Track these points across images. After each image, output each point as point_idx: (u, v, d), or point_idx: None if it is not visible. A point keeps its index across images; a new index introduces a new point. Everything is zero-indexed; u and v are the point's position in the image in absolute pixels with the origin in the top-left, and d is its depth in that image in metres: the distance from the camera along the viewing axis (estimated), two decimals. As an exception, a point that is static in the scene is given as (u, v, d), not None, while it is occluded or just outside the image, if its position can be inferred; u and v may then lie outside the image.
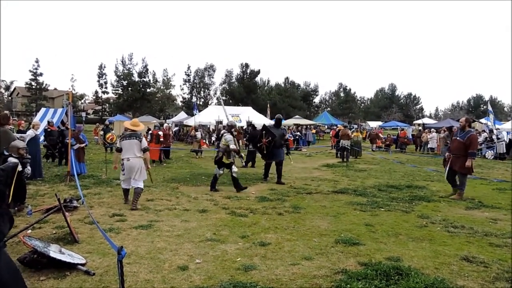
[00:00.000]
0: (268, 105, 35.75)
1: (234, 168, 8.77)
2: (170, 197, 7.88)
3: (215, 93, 66.22)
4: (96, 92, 59.84)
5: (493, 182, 10.56)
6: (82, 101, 73.06)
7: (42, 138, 13.42)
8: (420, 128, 31.96)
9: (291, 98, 61.42)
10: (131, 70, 55.92)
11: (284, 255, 4.49)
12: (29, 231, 5.07)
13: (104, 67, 58.56)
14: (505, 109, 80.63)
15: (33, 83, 54.97)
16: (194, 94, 63.57)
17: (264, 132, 10.48)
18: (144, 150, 7.16)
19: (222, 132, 9.24)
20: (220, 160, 8.73)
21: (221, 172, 8.91)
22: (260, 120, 25.03)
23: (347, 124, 22.04)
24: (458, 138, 8.36)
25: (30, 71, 54.73)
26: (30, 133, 10.14)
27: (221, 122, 23.35)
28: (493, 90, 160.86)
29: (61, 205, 5.07)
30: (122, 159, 7.07)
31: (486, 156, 19.23)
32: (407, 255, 4.52)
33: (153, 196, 7.97)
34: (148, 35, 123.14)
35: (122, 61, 55.80)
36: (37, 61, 55.65)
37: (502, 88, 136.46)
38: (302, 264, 4.19)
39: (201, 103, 60.64)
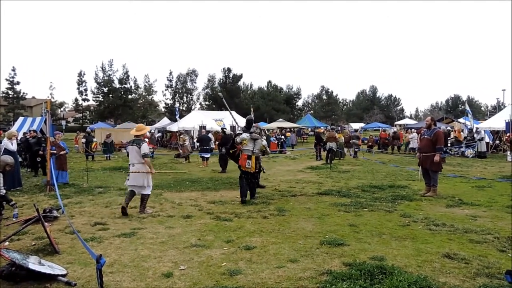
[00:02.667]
0: (252, 109, 35.80)
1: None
2: (154, 204, 7.79)
3: (198, 98, 66.03)
4: (76, 99, 58.84)
5: (472, 180, 10.81)
6: (62, 109, 71.67)
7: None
8: (395, 129, 32.23)
9: (274, 102, 61.62)
10: (111, 76, 55.21)
11: (270, 258, 4.48)
12: (7, 243, 4.92)
13: (84, 74, 57.69)
14: (482, 108, 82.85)
15: (10, 92, 53.56)
16: (176, 100, 63.13)
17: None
18: (143, 156, 6.89)
19: (252, 135, 8.07)
20: (248, 168, 7.86)
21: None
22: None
23: (334, 127, 21.83)
24: (425, 136, 8.72)
25: (7, 79, 53.35)
26: (7, 143, 9.87)
27: (204, 127, 23.26)
28: (470, 90, 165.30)
29: (40, 216, 4.94)
30: (129, 165, 7.16)
31: (466, 155, 19.68)
32: (390, 254, 4.58)
33: (136, 203, 7.82)
34: (128, 41, 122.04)
35: (102, 68, 55.05)
36: (13, 70, 54.52)
37: (479, 88, 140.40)
38: (287, 267, 4.19)
39: (184, 108, 60.27)
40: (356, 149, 19.95)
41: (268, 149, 8.42)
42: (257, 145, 7.98)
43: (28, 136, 13.91)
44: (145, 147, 6.95)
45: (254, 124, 8.60)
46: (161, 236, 5.46)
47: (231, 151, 10.29)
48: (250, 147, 7.94)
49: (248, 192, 8.16)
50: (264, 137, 9.62)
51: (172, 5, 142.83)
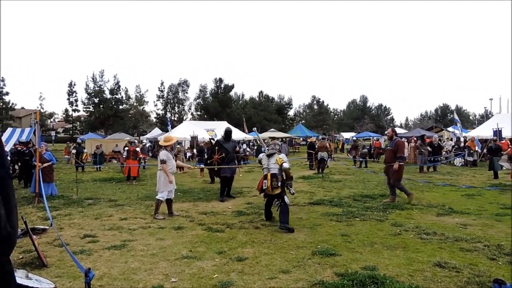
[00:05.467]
0: (244, 119, 35.91)
1: (287, 199, 6.68)
2: (145, 215, 7.71)
3: (190, 109, 65.97)
4: (66, 110, 58.33)
5: (462, 189, 10.92)
6: (52, 119, 70.92)
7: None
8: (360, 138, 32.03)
9: (265, 112, 61.82)
10: (102, 87, 54.98)
11: (262, 269, 4.46)
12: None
13: (74, 84, 57.27)
14: (470, 117, 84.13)
15: (-2, 102, 53.01)
16: (168, 110, 62.95)
17: (216, 148, 10.18)
18: (160, 162, 7.66)
19: (269, 151, 6.99)
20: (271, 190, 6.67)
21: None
22: (236, 135, 25.02)
23: (325, 136, 21.78)
24: (388, 147, 9.23)
25: (-5, 90, 52.80)
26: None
27: (196, 138, 23.17)
28: (458, 99, 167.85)
29: (28, 228, 4.86)
30: None
31: (455, 164, 19.89)
32: (382, 263, 4.58)
33: (126, 215, 7.77)
34: (120, 51, 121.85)
35: (93, 78, 54.82)
36: (2, 80, 53.90)
37: (467, 97, 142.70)
38: (279, 278, 4.17)
39: (175, 118, 60.10)
40: (365, 160, 20.00)
41: (287, 165, 6.80)
42: (271, 160, 6.86)
43: (19, 147, 13.72)
44: (162, 154, 7.74)
45: (271, 142, 7.54)
46: (152, 248, 5.40)
47: (208, 161, 10.33)
48: (265, 164, 6.94)
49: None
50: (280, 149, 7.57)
51: (163, 15, 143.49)
